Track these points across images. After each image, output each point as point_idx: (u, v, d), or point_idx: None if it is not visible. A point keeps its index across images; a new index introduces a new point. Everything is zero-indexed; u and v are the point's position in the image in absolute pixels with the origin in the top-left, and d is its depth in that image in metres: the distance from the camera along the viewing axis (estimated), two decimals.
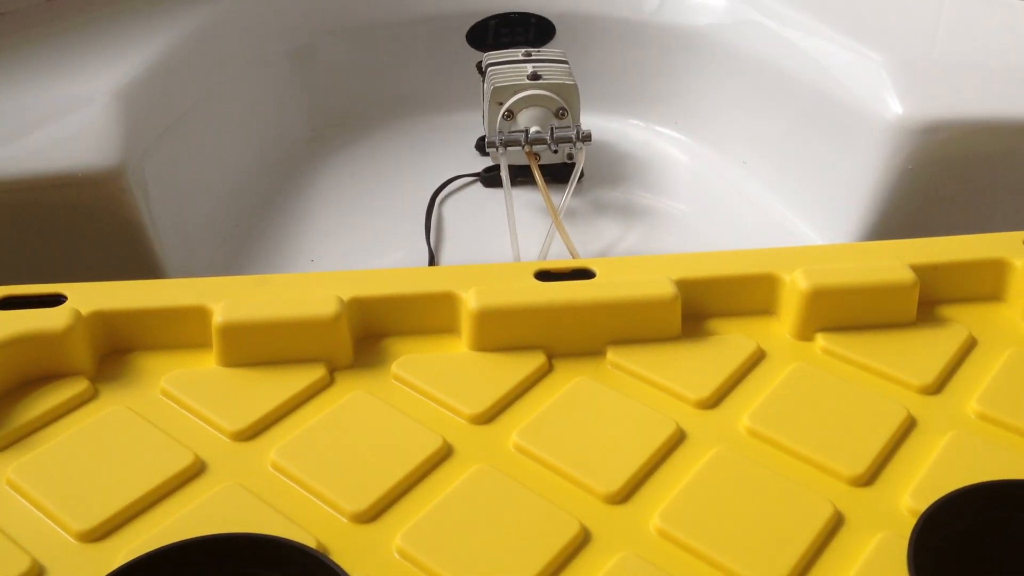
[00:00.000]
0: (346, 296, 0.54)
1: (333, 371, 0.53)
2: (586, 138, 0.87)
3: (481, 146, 1.03)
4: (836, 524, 0.45)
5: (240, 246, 0.87)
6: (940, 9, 0.97)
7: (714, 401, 0.52)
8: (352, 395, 0.51)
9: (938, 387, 0.53)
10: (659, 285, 0.56)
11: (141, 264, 0.74)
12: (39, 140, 0.70)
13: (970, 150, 0.78)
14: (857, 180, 0.83)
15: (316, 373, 0.52)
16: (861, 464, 0.47)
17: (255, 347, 0.52)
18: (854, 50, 0.87)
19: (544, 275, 0.57)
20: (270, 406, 0.49)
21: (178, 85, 0.84)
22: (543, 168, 0.93)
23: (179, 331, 0.53)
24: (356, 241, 0.89)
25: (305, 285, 0.55)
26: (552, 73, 0.92)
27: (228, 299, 0.52)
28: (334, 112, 1.08)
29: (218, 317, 0.51)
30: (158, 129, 0.79)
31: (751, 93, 0.98)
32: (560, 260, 0.59)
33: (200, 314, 0.53)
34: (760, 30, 0.98)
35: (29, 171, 0.68)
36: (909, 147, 0.78)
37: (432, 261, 0.86)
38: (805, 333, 0.57)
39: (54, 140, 0.69)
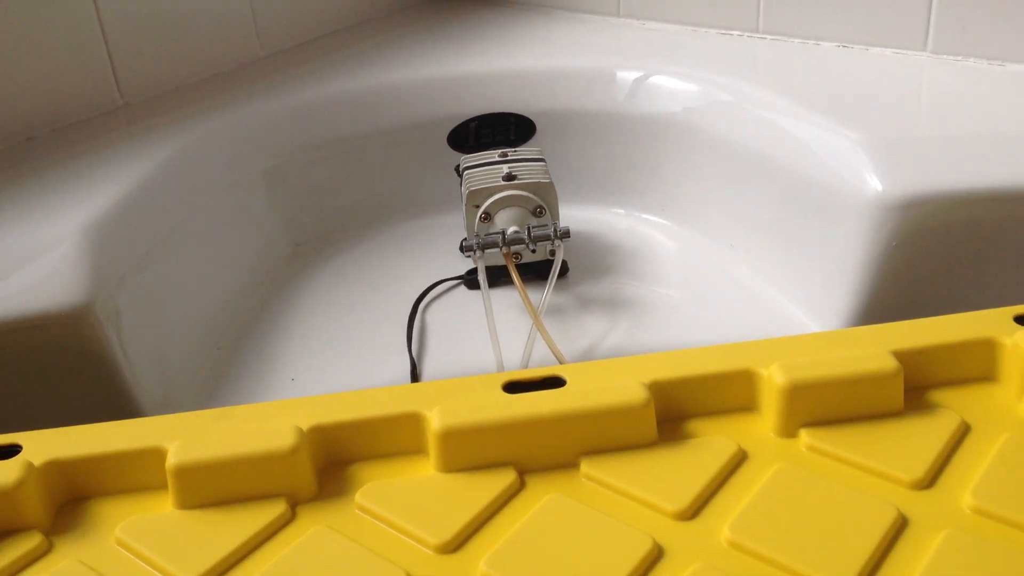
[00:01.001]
0: (306, 425, 0.53)
1: (295, 505, 0.52)
2: (564, 235, 0.87)
3: (463, 249, 1.03)
4: None
5: (221, 369, 0.87)
6: (919, 81, 0.97)
7: (693, 511, 0.50)
8: (312, 532, 0.49)
9: (930, 481, 0.51)
10: (630, 391, 0.54)
11: (114, 399, 0.73)
12: (3, 285, 0.70)
13: (952, 222, 0.77)
14: (844, 259, 0.82)
15: (276, 510, 0.51)
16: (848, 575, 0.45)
17: (212, 487, 0.51)
18: (830, 129, 0.87)
19: (512, 386, 0.56)
20: (226, 551, 0.48)
21: (151, 216, 0.86)
22: (527, 267, 0.93)
23: (135, 475, 0.52)
24: (339, 356, 0.88)
25: (265, 416, 0.54)
26: (527, 172, 0.93)
27: (182, 439, 0.51)
28: (315, 225, 1.09)
29: (171, 459, 0.50)
30: (130, 262, 0.79)
31: (732, 176, 0.98)
32: (532, 369, 0.58)
33: (156, 455, 0.52)
34: (735, 113, 0.99)
35: None
36: (891, 223, 0.77)
37: (414, 372, 0.85)
38: (788, 430, 0.55)
39: (19, 283, 0.70)
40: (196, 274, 0.91)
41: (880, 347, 0.57)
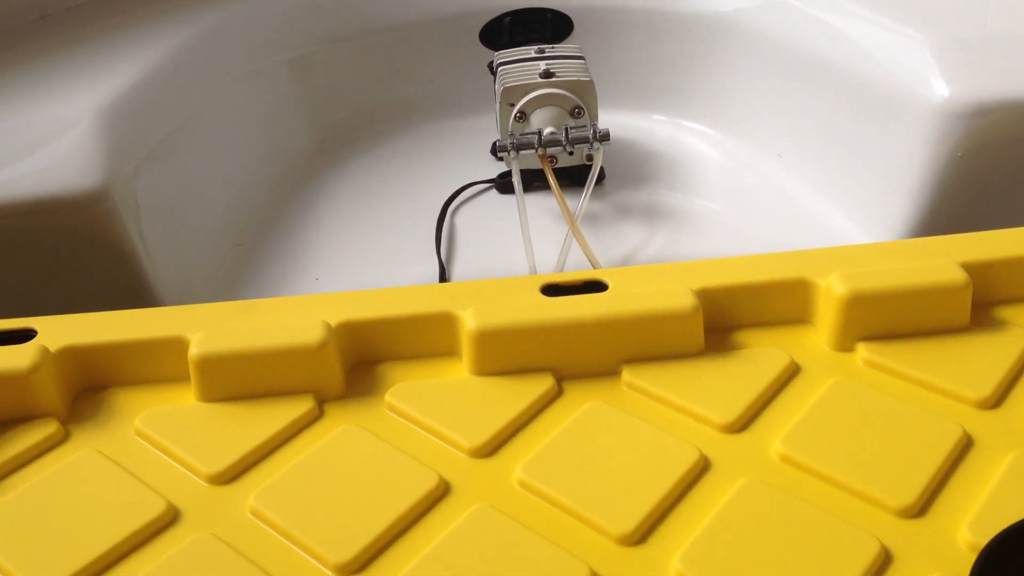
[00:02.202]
0: (335, 320, 0.51)
1: (323, 402, 0.50)
2: (604, 137, 0.83)
3: (496, 151, 1.00)
4: (884, 563, 0.40)
5: (241, 266, 0.85)
6: None
7: (742, 424, 0.48)
8: (341, 430, 0.48)
9: (997, 400, 0.48)
10: (678, 296, 0.52)
11: (133, 290, 0.71)
12: (19, 166, 0.68)
13: None
14: (903, 171, 0.78)
15: (304, 406, 0.49)
16: (911, 493, 0.43)
17: (236, 380, 0.49)
18: (894, 30, 0.82)
19: (552, 289, 0.54)
20: (251, 445, 0.46)
21: (170, 100, 0.82)
22: (561, 171, 0.89)
23: (156, 365, 0.51)
24: (364, 257, 0.86)
25: (292, 310, 0.52)
26: (566, 70, 0.89)
27: (206, 329, 0.49)
28: (340, 122, 1.06)
29: (194, 349, 0.48)
30: (148, 147, 0.77)
31: (784, 81, 0.94)
32: (572, 272, 0.55)
33: (178, 345, 0.50)
34: (791, 13, 0.94)
35: (4, 198, 0.66)
36: (958, 132, 0.73)
37: (443, 276, 0.82)
38: (844, 343, 0.52)
39: (33, 165, 0.67)
40: (216, 165, 0.89)
41: (947, 258, 0.54)
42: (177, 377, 0.51)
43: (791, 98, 0.93)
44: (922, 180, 0.76)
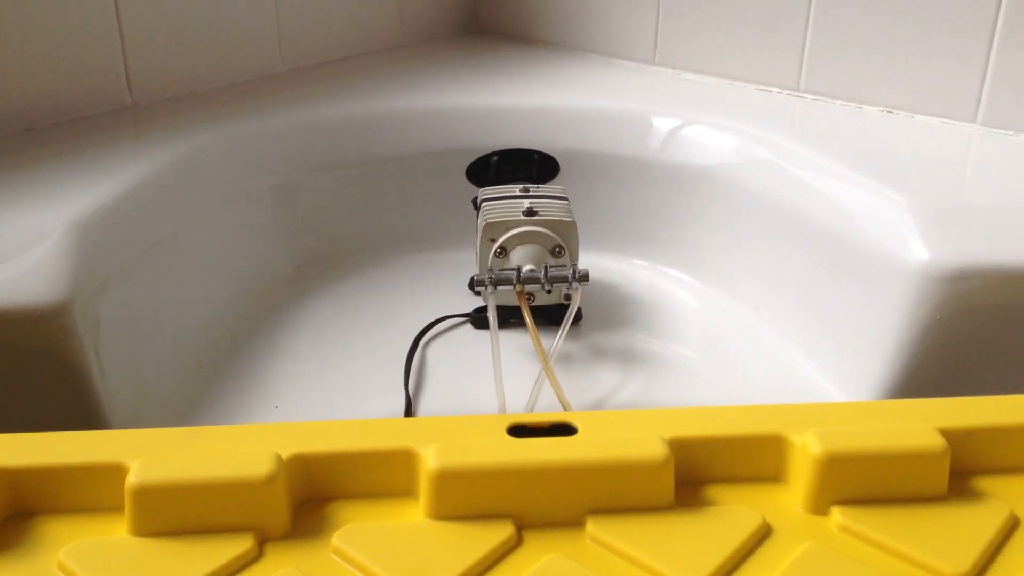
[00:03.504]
0: (286, 453, 0.49)
1: (264, 542, 0.47)
2: (583, 278, 0.83)
3: (473, 285, 0.99)
4: None
5: (199, 389, 0.83)
6: (966, 151, 0.94)
7: None
8: (280, 574, 0.45)
9: None
10: (648, 445, 0.50)
11: (82, 409, 0.69)
12: None
13: (1004, 299, 0.73)
14: (881, 331, 0.78)
15: (242, 545, 0.46)
16: None
17: (173, 513, 0.46)
18: (875, 191, 0.84)
19: (519, 430, 0.52)
20: None
21: (146, 219, 0.82)
22: (539, 310, 0.89)
23: (91, 492, 0.48)
24: (329, 387, 0.84)
25: (243, 439, 0.50)
26: (549, 209, 0.90)
27: (146, 457, 0.47)
28: (319, 249, 1.06)
29: (132, 477, 0.46)
30: (117, 264, 0.76)
31: (765, 235, 0.95)
32: (541, 413, 0.54)
33: (115, 473, 0.48)
34: (773, 170, 0.96)
35: None
36: (937, 296, 0.73)
37: (409, 409, 0.80)
38: (819, 506, 0.51)
39: None
40: (187, 285, 0.88)
41: (925, 423, 0.52)
42: (112, 507, 0.48)
43: (771, 252, 0.94)
44: (899, 341, 0.76)
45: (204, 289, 0.90)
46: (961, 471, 0.53)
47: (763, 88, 1.15)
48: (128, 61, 1.04)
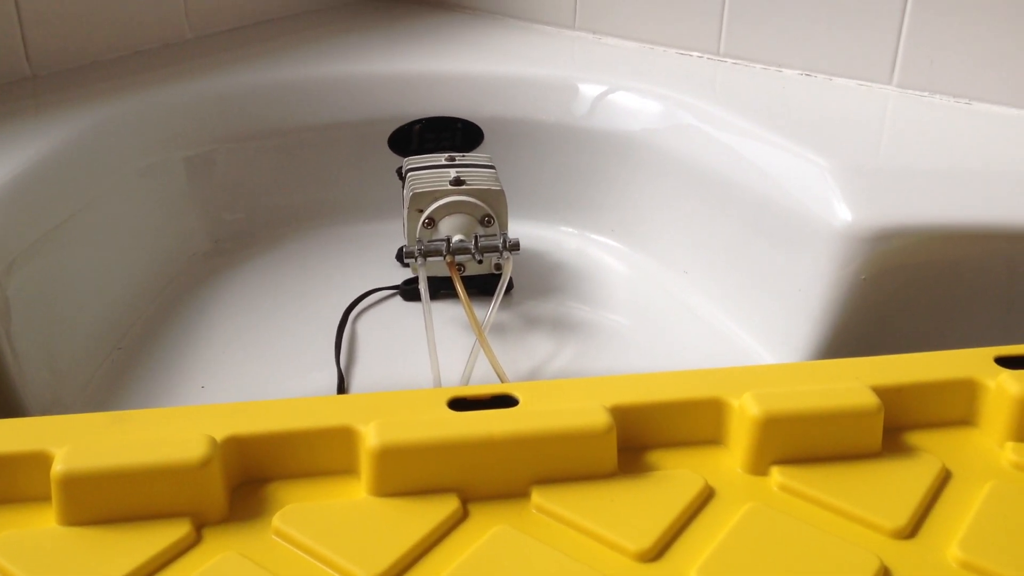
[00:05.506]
0: (220, 435, 0.47)
1: (201, 527, 0.46)
2: (514, 247, 0.83)
3: (401, 256, 0.98)
4: None
5: (121, 372, 0.80)
6: (883, 112, 0.97)
7: (657, 552, 0.46)
8: (220, 558, 0.44)
9: (912, 530, 0.48)
10: (591, 413, 0.50)
11: None
12: None
13: (925, 258, 0.76)
14: (808, 291, 0.80)
15: (179, 531, 0.45)
16: None
17: (104, 501, 0.45)
18: (797, 154, 0.86)
19: (460, 403, 0.52)
20: (117, 575, 0.42)
21: (51, 197, 0.79)
22: (470, 280, 0.88)
23: (14, 483, 0.46)
24: (257, 365, 0.82)
25: (172, 422, 0.48)
26: (477, 178, 0.89)
27: (72, 444, 0.45)
28: (238, 223, 1.03)
29: (58, 465, 0.44)
30: (24, 246, 0.72)
31: (691, 200, 0.96)
32: (481, 385, 0.53)
33: (40, 461, 0.46)
34: (697, 135, 0.97)
35: None
36: (861, 256, 0.76)
37: (341, 386, 0.79)
38: (758, 467, 0.52)
39: None
40: (101, 264, 0.84)
41: (858, 381, 0.54)
42: (37, 496, 0.46)
43: (697, 217, 0.95)
44: (826, 302, 0.78)
45: (120, 267, 0.87)
46: (894, 427, 0.55)
47: (684, 52, 1.16)
48: (25, 29, 0.98)
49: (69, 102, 0.92)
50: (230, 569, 0.43)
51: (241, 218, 1.03)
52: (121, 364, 0.81)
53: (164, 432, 0.47)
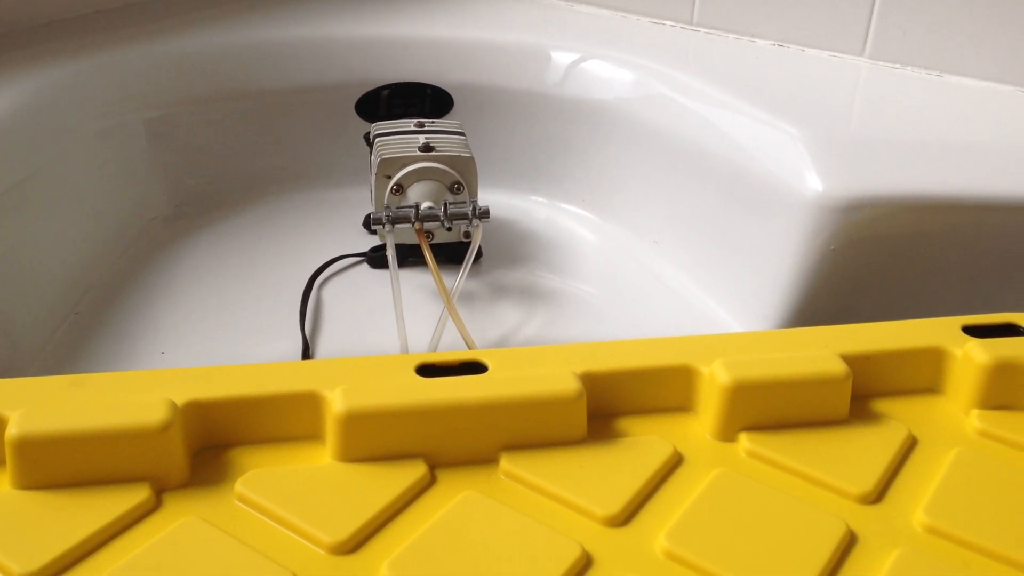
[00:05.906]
0: (181, 399, 0.46)
1: (161, 492, 0.45)
2: (483, 215, 0.82)
3: (368, 223, 0.97)
4: None
5: (79, 336, 0.78)
6: (855, 84, 0.97)
7: (625, 517, 0.46)
8: (181, 523, 0.43)
9: (878, 495, 0.48)
10: (561, 380, 0.50)
11: None
12: None
13: (895, 229, 0.76)
14: (777, 261, 0.80)
15: (138, 496, 0.44)
16: None
17: (61, 465, 0.44)
18: (769, 124, 0.86)
19: (428, 369, 0.51)
20: (73, 541, 0.41)
21: (8, 156, 0.77)
22: (438, 248, 0.87)
23: None
24: (219, 331, 0.81)
25: (132, 386, 0.47)
26: (446, 145, 0.88)
27: (27, 406, 0.44)
28: (201, 187, 1.01)
29: (13, 428, 0.43)
30: None
31: (662, 169, 0.96)
32: (449, 352, 0.53)
33: None
34: (670, 104, 0.96)
35: None
36: (831, 226, 0.76)
37: (306, 353, 0.78)
38: (727, 433, 0.52)
39: None
40: (57, 227, 0.82)
41: (826, 349, 0.54)
42: None
43: (668, 186, 0.95)
44: (796, 271, 0.78)
45: (77, 230, 0.85)
46: (861, 395, 0.55)
47: (657, 21, 1.16)
48: None
49: (25, 62, 0.90)
50: (191, 534, 0.42)
51: (204, 183, 1.01)
52: (78, 330, 0.79)
53: (123, 396, 0.46)
